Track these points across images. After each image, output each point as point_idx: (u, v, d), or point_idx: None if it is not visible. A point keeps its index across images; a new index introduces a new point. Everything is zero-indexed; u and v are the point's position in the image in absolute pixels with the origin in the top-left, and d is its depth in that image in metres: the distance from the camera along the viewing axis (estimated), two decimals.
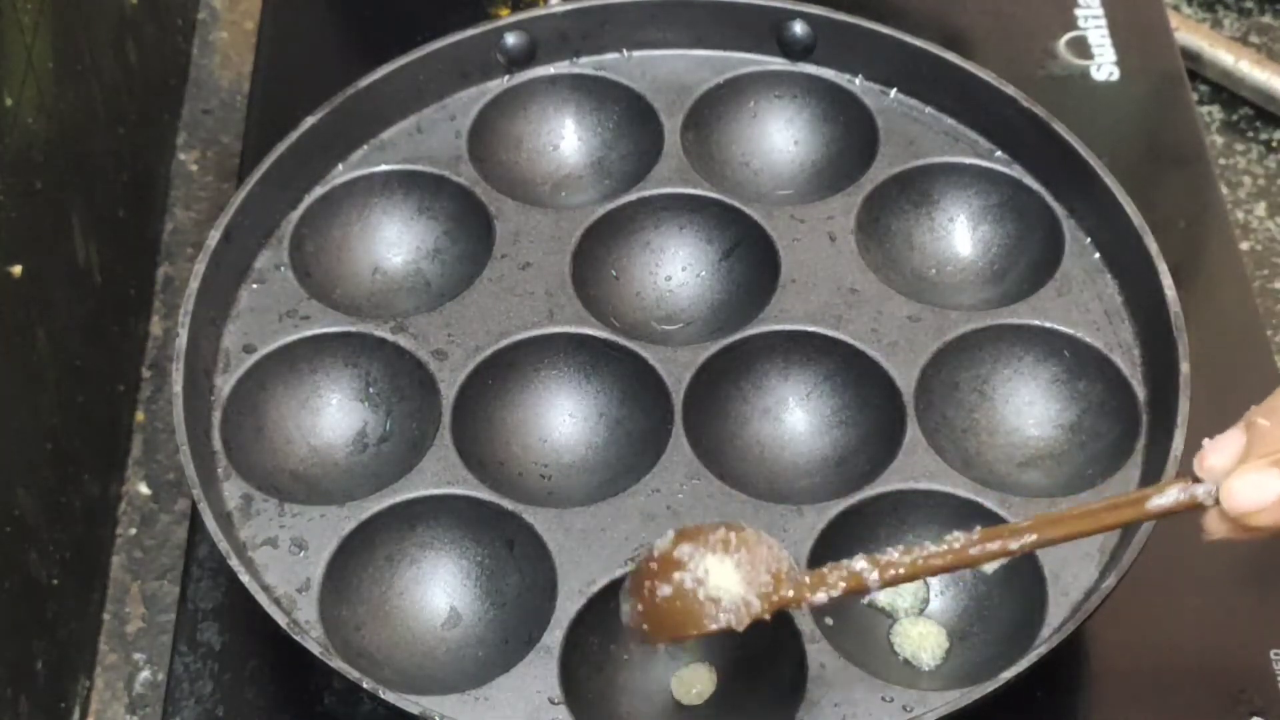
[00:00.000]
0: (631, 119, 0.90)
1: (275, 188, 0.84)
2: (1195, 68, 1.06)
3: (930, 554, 0.60)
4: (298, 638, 0.68)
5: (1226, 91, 1.07)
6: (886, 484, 0.75)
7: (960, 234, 0.86)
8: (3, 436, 0.73)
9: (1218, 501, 0.57)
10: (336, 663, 0.68)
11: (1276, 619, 0.78)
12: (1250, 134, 1.06)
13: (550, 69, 0.91)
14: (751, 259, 0.84)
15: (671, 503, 0.75)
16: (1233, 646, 0.77)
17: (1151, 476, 0.74)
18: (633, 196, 0.85)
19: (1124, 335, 0.79)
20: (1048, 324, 0.80)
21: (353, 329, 0.81)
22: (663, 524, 0.74)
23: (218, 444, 0.77)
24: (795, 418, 0.81)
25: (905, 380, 0.78)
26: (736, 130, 0.90)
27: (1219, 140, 1.06)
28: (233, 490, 0.75)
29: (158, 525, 0.88)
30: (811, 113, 0.90)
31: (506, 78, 0.90)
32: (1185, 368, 0.74)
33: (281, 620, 0.69)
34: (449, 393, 0.78)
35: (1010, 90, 0.85)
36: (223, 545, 0.70)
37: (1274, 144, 1.06)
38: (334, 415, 0.80)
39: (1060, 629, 0.70)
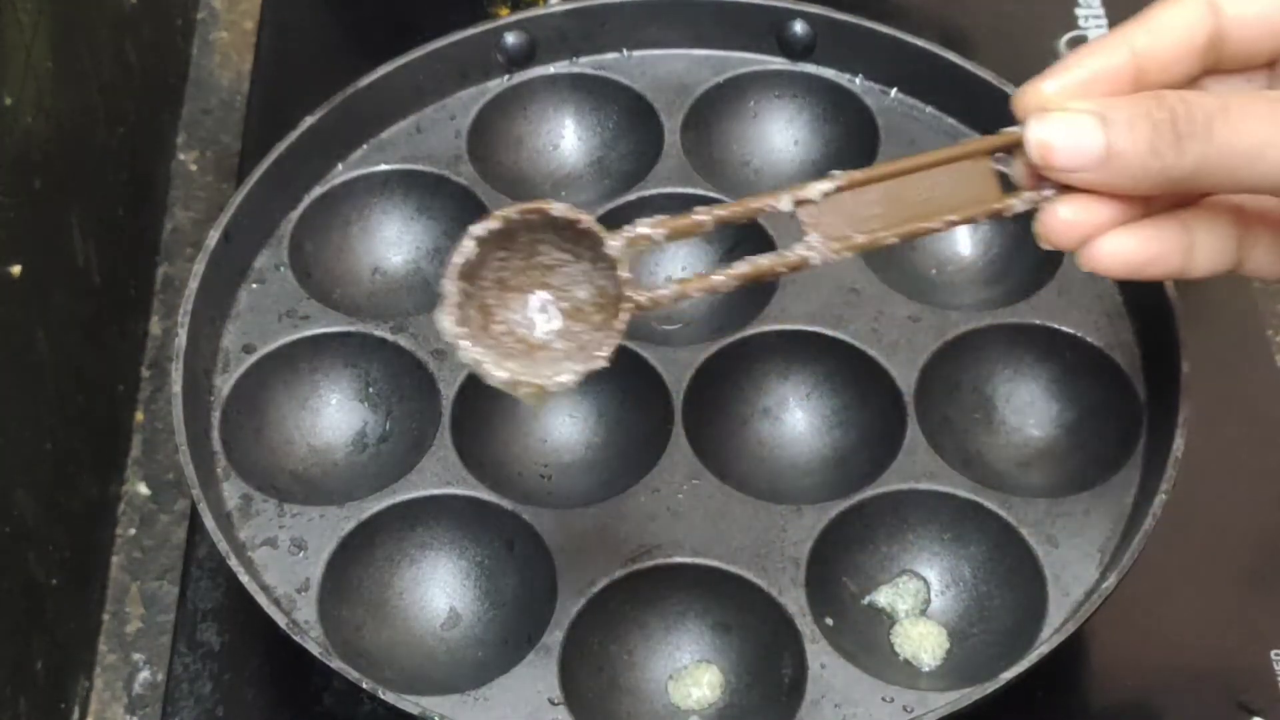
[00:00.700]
0: (631, 119, 0.90)
1: (275, 188, 0.83)
2: None
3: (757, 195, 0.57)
4: (297, 638, 0.68)
5: None
6: (887, 484, 0.75)
7: (961, 234, 0.86)
8: (2, 436, 0.73)
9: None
10: (336, 663, 0.68)
11: (1276, 619, 0.78)
12: None
13: (550, 68, 0.91)
14: None
15: (671, 503, 0.75)
16: (1233, 646, 0.77)
17: (1152, 477, 0.73)
18: (633, 196, 0.85)
19: (1124, 335, 0.79)
20: (1048, 324, 0.80)
21: (352, 329, 0.81)
22: (663, 524, 0.74)
23: (217, 444, 0.77)
24: (795, 418, 0.81)
25: (906, 380, 0.78)
26: (736, 130, 0.90)
27: None
28: (232, 490, 0.75)
29: (157, 525, 0.88)
30: (812, 112, 0.90)
31: (506, 77, 0.90)
32: (1185, 368, 0.74)
33: (281, 620, 0.69)
34: (449, 393, 0.78)
35: (1011, 90, 0.85)
36: (222, 545, 0.70)
37: None
38: (334, 415, 0.80)
39: (1060, 629, 0.70)
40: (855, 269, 0.82)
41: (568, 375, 0.57)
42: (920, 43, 0.88)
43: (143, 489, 0.90)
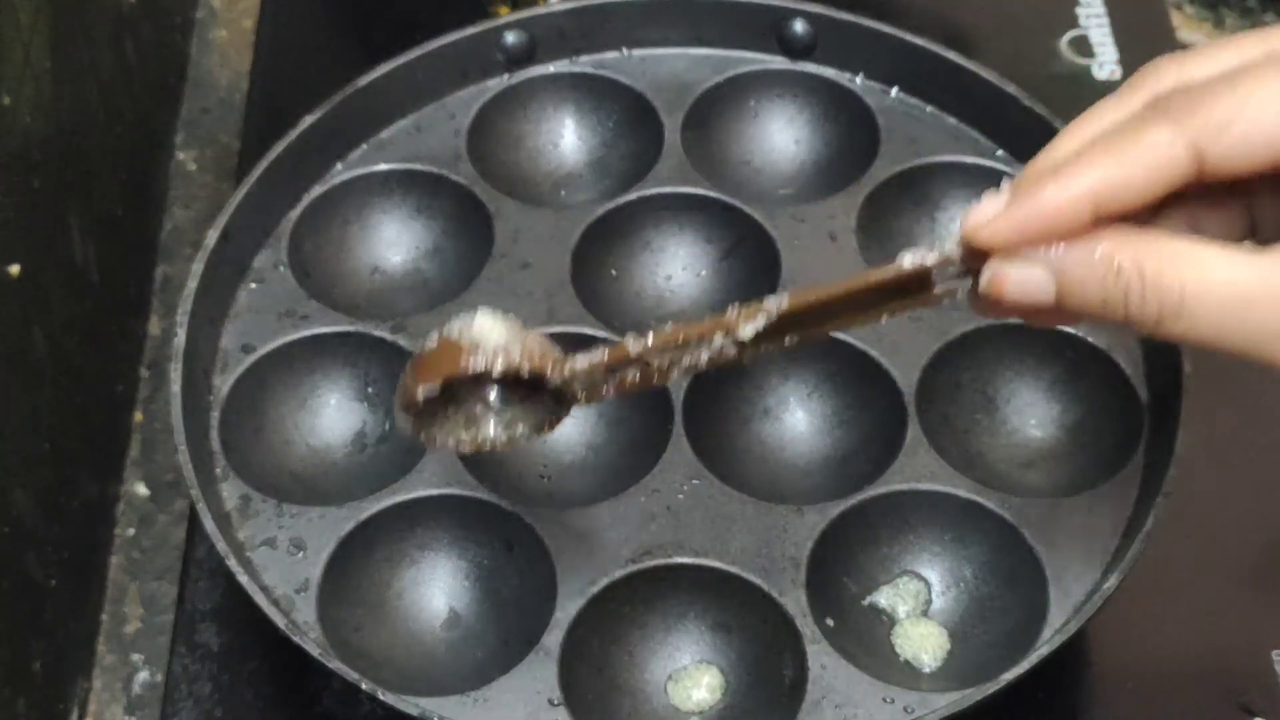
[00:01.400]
0: (631, 118, 0.89)
1: (274, 187, 0.83)
2: None
3: (692, 324, 0.59)
4: (296, 639, 0.68)
5: None
6: (887, 484, 0.75)
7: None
8: (0, 436, 0.73)
9: (967, 270, 0.54)
10: (335, 664, 0.68)
11: (1276, 619, 0.78)
12: None
13: (550, 68, 0.90)
14: (752, 259, 0.84)
15: (671, 503, 0.75)
16: (1233, 647, 0.77)
17: (1153, 477, 0.73)
18: (633, 196, 0.85)
19: (1125, 335, 0.79)
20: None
21: (352, 329, 0.81)
22: (663, 524, 0.74)
23: (216, 444, 0.76)
24: (795, 418, 0.81)
25: (906, 380, 0.78)
26: (737, 129, 0.90)
27: None
28: (231, 491, 0.75)
29: (156, 526, 0.88)
30: (812, 112, 0.90)
31: (506, 76, 0.90)
32: (1187, 367, 0.74)
33: (280, 621, 0.68)
34: None
35: (1012, 89, 0.85)
36: (221, 546, 0.70)
37: None
38: (333, 415, 0.80)
39: (1061, 630, 0.70)
40: (856, 269, 0.82)
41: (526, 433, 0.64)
42: (921, 42, 0.88)
43: (141, 489, 0.90)
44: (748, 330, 0.57)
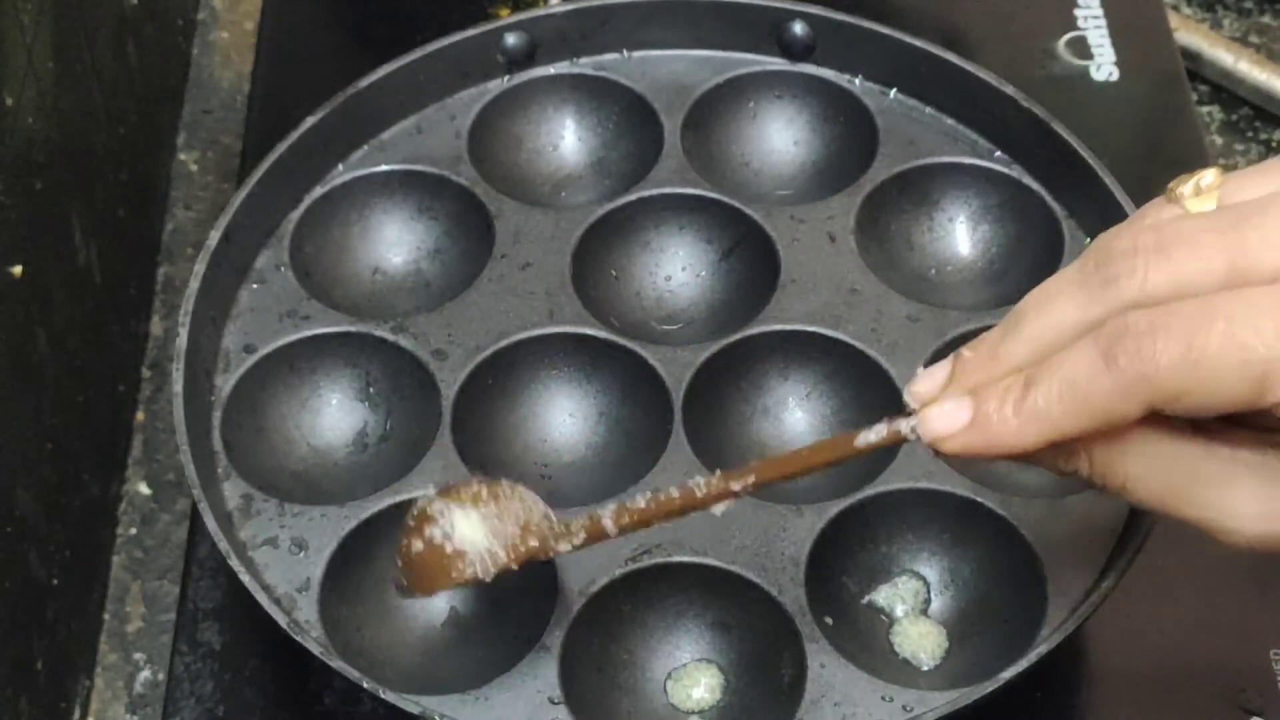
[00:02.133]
0: (631, 119, 0.90)
1: (275, 188, 0.84)
2: (1195, 68, 1.06)
3: (663, 500, 0.62)
4: (298, 638, 0.68)
5: (1226, 92, 1.07)
6: (887, 484, 0.75)
7: (960, 234, 0.86)
8: (2, 436, 0.73)
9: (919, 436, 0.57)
10: (336, 662, 0.68)
11: (1276, 619, 0.78)
12: (1250, 134, 1.06)
13: (550, 69, 0.91)
14: (751, 259, 0.84)
15: None
16: (1233, 646, 0.77)
17: None
18: (633, 196, 0.85)
19: None
20: None
21: (353, 329, 0.81)
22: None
23: (218, 444, 0.77)
24: (795, 418, 0.81)
25: (905, 380, 0.78)
26: (736, 130, 0.90)
27: (1219, 140, 1.06)
28: (233, 490, 0.75)
29: (158, 525, 0.88)
30: (811, 113, 0.90)
31: (506, 78, 0.90)
32: None
33: (281, 620, 0.69)
34: (449, 393, 0.78)
35: (1010, 90, 0.85)
36: (223, 545, 0.70)
37: (1274, 144, 1.06)
38: (334, 415, 0.80)
39: (1060, 629, 0.70)
40: (855, 269, 0.82)
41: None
42: (919, 44, 0.88)
43: (143, 489, 0.90)
44: (718, 509, 0.62)
